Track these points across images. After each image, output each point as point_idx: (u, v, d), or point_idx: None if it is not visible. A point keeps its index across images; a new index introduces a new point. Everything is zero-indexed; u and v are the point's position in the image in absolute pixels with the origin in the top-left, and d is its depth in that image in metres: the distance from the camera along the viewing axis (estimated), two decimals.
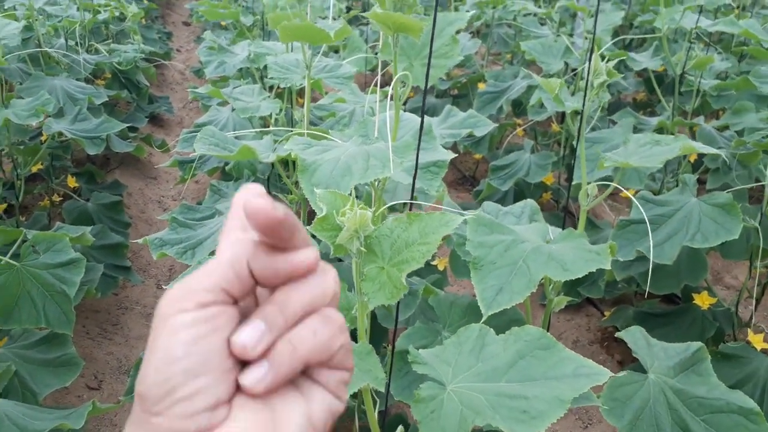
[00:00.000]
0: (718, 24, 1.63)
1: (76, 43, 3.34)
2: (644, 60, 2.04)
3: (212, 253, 1.41)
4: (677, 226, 1.59)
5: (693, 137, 2.09)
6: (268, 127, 1.87)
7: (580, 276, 0.88)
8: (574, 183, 1.59)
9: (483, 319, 0.89)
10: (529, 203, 1.23)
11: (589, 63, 0.91)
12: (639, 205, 1.51)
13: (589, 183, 1.00)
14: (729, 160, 1.92)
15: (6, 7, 2.79)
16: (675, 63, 1.89)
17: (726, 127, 2.23)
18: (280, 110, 1.73)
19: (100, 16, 3.70)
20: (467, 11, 3.33)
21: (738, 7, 2.36)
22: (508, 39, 3.74)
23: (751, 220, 1.61)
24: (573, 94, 2.37)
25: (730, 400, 0.97)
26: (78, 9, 3.39)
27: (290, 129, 1.53)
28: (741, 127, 2.15)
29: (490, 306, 0.90)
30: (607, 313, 2.18)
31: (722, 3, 1.86)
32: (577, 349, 2.30)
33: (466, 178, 3.61)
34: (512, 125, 3.12)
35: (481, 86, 3.11)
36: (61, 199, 2.88)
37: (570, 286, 2.07)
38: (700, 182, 2.71)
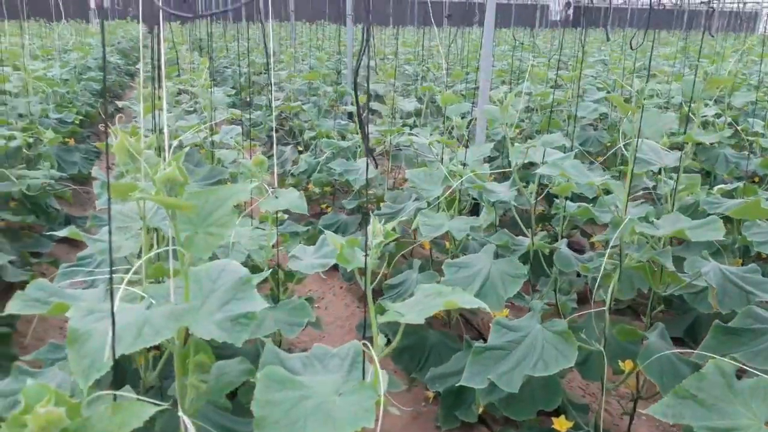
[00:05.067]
0: (543, 167, 1.80)
1: None
2: (502, 190, 2.20)
3: None
4: (524, 353, 1.66)
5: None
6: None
7: None
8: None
9: None
10: (354, 347, 1.28)
11: (366, 227, 1.00)
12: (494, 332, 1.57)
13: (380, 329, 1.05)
14: (591, 285, 2.03)
15: None
16: (529, 193, 2.04)
17: (607, 244, 2.38)
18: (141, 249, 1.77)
19: (13, 143, 3.75)
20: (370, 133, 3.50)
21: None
22: (413, 158, 3.96)
23: (596, 344, 1.69)
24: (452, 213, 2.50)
25: None
26: None
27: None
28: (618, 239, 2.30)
29: None
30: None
31: (560, 144, 2.05)
32: None
33: (376, 291, 3.66)
34: (412, 242, 3.23)
35: (382, 205, 3.25)
36: None
37: (447, 411, 2.08)
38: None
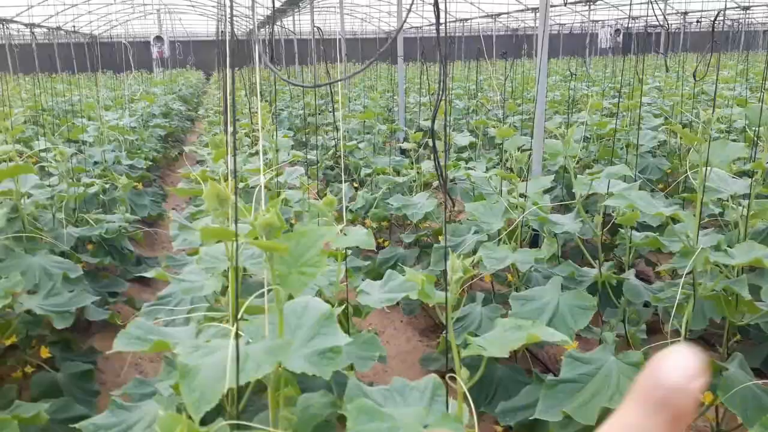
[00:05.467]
0: (610, 198, 1.80)
1: (67, 215, 3.59)
2: (566, 222, 2.21)
3: None
4: (599, 386, 1.65)
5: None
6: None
7: None
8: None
9: None
10: (432, 380, 1.31)
11: (446, 260, 1.04)
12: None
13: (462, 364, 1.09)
14: (661, 312, 2.01)
15: None
16: (595, 224, 2.05)
17: (674, 272, 2.34)
18: (223, 287, 1.87)
19: (91, 189, 4.00)
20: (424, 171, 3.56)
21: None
22: (469, 191, 3.99)
23: None
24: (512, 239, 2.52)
25: None
26: (67, 185, 3.67)
27: (222, 308, 1.64)
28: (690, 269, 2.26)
29: None
30: None
31: (626, 174, 2.06)
32: None
33: (437, 325, 3.67)
34: (472, 275, 3.24)
35: (441, 239, 3.29)
36: (33, 370, 2.94)
37: None
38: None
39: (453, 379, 1.40)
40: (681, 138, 4.07)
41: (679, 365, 0.29)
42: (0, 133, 3.65)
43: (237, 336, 1.05)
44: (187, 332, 1.40)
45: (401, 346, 3.60)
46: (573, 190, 2.06)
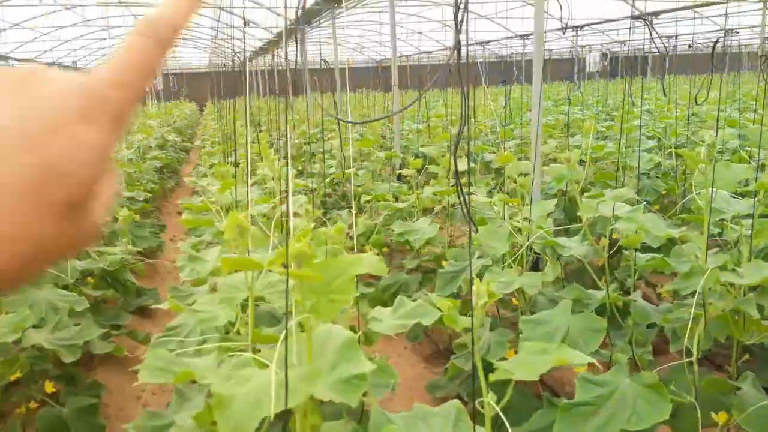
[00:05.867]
0: (619, 221, 1.84)
1: None
2: (573, 246, 2.24)
3: None
4: (615, 408, 1.66)
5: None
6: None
7: None
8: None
9: None
10: (455, 406, 1.32)
11: (471, 285, 1.07)
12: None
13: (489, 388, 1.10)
14: (668, 332, 2.03)
15: None
16: (601, 247, 2.08)
17: (675, 293, 2.36)
18: (237, 317, 1.87)
19: None
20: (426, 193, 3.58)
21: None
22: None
23: (687, 396, 1.68)
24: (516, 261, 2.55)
25: None
26: None
27: (239, 339, 1.65)
28: (690, 290, 2.29)
29: None
30: None
31: (629, 197, 2.10)
32: None
33: (441, 351, 3.67)
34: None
35: (444, 264, 3.31)
36: (38, 405, 2.91)
37: None
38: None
39: (465, 403, 1.41)
40: (677, 160, 4.14)
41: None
42: None
43: (278, 363, 1.06)
44: (209, 362, 1.40)
45: (406, 373, 3.59)
46: (578, 214, 2.09)
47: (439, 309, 1.24)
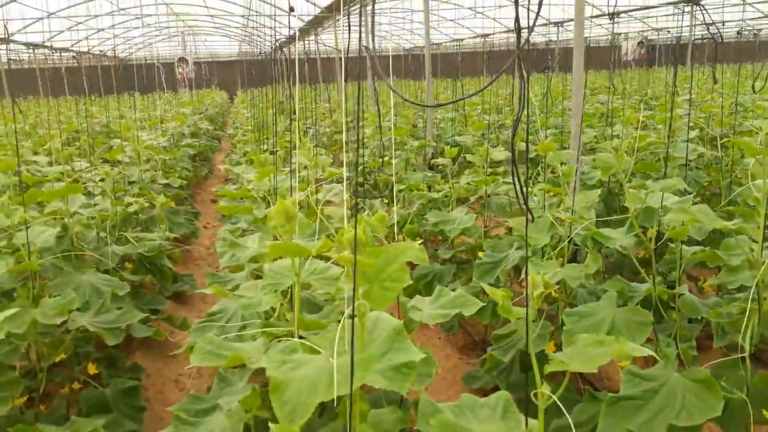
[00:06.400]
0: (671, 212, 1.79)
1: (108, 233, 3.66)
2: (618, 237, 2.19)
3: None
4: (663, 403, 1.62)
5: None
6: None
7: None
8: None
9: None
10: (503, 397, 1.30)
11: (527, 276, 1.05)
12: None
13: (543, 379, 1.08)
14: (715, 327, 1.98)
15: (47, 213, 3.12)
16: (649, 239, 2.03)
17: (720, 287, 2.30)
18: (280, 303, 1.88)
19: (131, 208, 4.07)
20: (464, 184, 3.55)
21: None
22: (506, 206, 3.98)
23: (738, 392, 1.64)
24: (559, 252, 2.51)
25: None
26: (111, 204, 3.75)
27: (285, 323, 1.66)
28: (737, 285, 2.22)
29: None
30: None
31: (679, 187, 2.04)
32: None
33: (476, 342, 3.65)
34: (513, 291, 3.22)
35: (481, 254, 3.28)
36: (80, 386, 2.98)
37: None
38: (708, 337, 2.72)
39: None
40: (722, 150, 4.02)
41: None
42: (44, 154, 3.74)
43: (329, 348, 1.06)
44: (256, 347, 1.41)
45: (441, 363, 3.58)
46: (624, 204, 2.04)
47: (479, 300, 1.22)
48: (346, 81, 1.92)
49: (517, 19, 0.95)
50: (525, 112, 0.96)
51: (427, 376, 1.88)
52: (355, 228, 0.90)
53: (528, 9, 1.03)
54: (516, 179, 1.00)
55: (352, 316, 0.95)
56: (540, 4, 0.92)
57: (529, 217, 0.99)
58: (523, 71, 0.94)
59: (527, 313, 1.05)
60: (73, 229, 3.12)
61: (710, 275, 3.79)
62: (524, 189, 1.00)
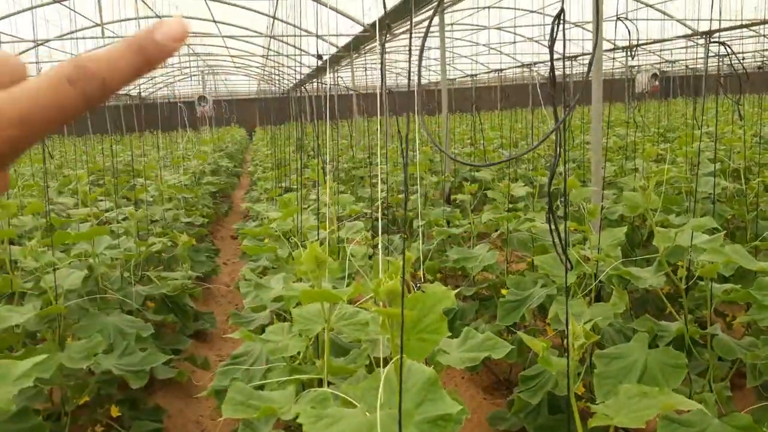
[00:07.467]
0: (705, 253, 1.76)
1: (132, 273, 3.69)
2: (648, 276, 2.16)
3: None
4: None
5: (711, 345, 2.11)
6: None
7: None
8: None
9: None
10: None
11: (567, 324, 1.03)
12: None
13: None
14: (750, 368, 1.92)
15: (73, 254, 3.16)
16: (679, 278, 2.00)
17: (749, 325, 2.24)
18: (306, 347, 1.87)
19: (154, 248, 4.10)
20: (485, 221, 3.54)
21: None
22: (528, 242, 3.95)
23: None
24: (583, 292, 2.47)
25: None
26: (135, 244, 3.78)
27: (313, 368, 1.64)
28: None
29: None
30: None
31: (710, 226, 2.02)
32: None
33: (501, 382, 3.58)
34: (538, 330, 3.17)
35: (504, 292, 3.24)
36: (103, 429, 2.96)
37: None
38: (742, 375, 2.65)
39: None
40: (746, 184, 3.98)
41: (172, 29, 0.34)
42: (69, 194, 3.81)
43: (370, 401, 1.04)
44: (287, 396, 1.39)
45: (466, 404, 3.51)
46: (654, 243, 2.02)
47: (506, 340, 1.20)
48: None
49: (552, 77, 0.95)
50: (559, 159, 0.96)
51: (458, 423, 1.85)
52: (403, 284, 0.89)
53: (564, 42, 1.03)
54: (554, 231, 0.99)
55: (399, 380, 0.93)
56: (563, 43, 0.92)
57: (568, 266, 0.97)
58: (558, 121, 0.94)
59: (567, 365, 1.03)
60: (98, 270, 3.15)
61: (739, 311, 3.70)
62: (564, 242, 0.99)
